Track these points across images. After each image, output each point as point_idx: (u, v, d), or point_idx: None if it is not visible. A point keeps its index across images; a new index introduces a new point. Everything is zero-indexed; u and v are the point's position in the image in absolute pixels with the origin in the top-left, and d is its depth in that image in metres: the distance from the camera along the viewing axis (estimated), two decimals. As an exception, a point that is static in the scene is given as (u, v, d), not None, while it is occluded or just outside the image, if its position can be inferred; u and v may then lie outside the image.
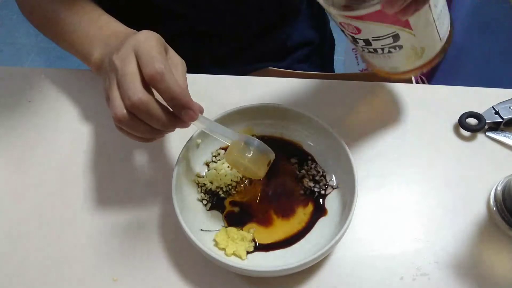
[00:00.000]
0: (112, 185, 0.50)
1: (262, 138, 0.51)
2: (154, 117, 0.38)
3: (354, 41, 0.43)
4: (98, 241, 0.46)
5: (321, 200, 0.47)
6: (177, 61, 0.43)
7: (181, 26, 0.63)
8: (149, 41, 0.39)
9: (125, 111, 0.38)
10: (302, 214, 0.46)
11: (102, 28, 0.51)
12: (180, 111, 0.39)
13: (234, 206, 0.47)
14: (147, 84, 0.38)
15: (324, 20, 0.76)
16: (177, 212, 0.41)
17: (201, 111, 0.41)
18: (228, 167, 0.49)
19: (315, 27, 0.74)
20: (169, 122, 0.39)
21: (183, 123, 0.40)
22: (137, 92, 0.37)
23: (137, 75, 0.38)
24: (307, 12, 0.72)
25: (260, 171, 0.44)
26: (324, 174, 0.49)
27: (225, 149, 0.51)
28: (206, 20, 0.64)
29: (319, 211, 0.46)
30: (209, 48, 0.68)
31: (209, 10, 0.63)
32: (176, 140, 0.47)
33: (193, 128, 0.48)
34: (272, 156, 0.44)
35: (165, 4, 0.60)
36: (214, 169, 0.49)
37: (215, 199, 0.47)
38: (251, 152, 0.42)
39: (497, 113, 0.54)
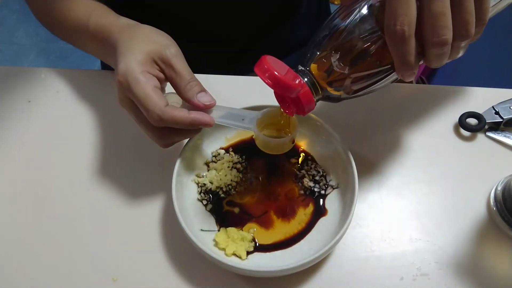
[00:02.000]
0: (112, 185, 0.50)
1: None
2: (183, 138, 0.46)
3: None
4: (98, 241, 0.46)
5: (321, 200, 0.47)
6: (169, 57, 0.43)
7: (180, 28, 0.63)
8: (135, 83, 0.40)
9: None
10: (302, 214, 0.46)
11: (96, 23, 0.50)
12: (197, 127, 0.43)
13: (234, 206, 0.47)
14: None
15: (324, 20, 0.76)
16: (177, 212, 0.41)
17: (213, 105, 0.43)
18: (228, 167, 0.49)
19: (315, 26, 0.74)
20: (195, 133, 0.46)
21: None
22: (158, 140, 0.44)
23: (144, 121, 0.42)
24: (307, 12, 0.72)
25: (285, 150, 0.46)
26: (324, 174, 0.49)
27: (225, 149, 0.51)
28: (205, 21, 0.64)
29: (319, 211, 0.46)
30: (208, 49, 0.68)
31: (208, 12, 0.63)
32: (176, 140, 0.48)
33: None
34: (293, 136, 0.45)
35: (163, 6, 0.60)
36: (214, 169, 0.49)
37: (215, 199, 0.47)
38: (272, 142, 0.45)
39: (497, 113, 0.54)
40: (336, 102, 0.41)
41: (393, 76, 0.38)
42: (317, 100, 0.40)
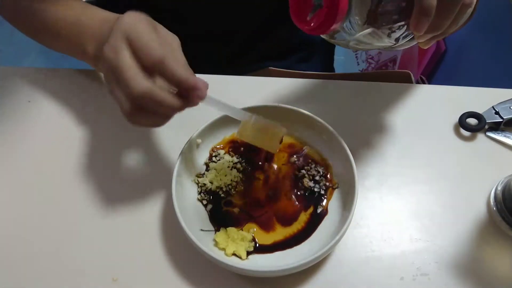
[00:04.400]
0: (112, 185, 0.50)
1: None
2: (162, 104, 0.37)
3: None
4: (98, 241, 0.46)
5: (321, 200, 0.47)
6: (170, 39, 0.41)
7: (181, 28, 0.63)
8: (138, 24, 0.37)
9: (131, 105, 0.37)
10: (302, 214, 0.46)
11: (92, 19, 0.49)
12: (187, 93, 0.38)
13: (234, 207, 0.47)
14: (146, 70, 0.37)
15: None
16: (177, 212, 0.41)
17: (207, 86, 0.40)
18: (228, 167, 0.49)
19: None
20: (177, 105, 0.38)
21: (192, 103, 0.40)
22: (137, 84, 0.36)
23: (133, 65, 0.37)
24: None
25: (274, 145, 0.45)
26: (324, 174, 0.49)
27: (225, 149, 0.51)
28: (206, 20, 0.64)
29: (320, 211, 0.46)
30: (209, 49, 0.68)
31: (208, 10, 0.63)
32: (176, 140, 0.48)
33: (193, 128, 0.48)
34: (284, 130, 0.45)
35: (164, 5, 0.60)
36: (214, 169, 0.49)
37: (215, 199, 0.47)
38: (262, 126, 0.44)
39: (497, 113, 0.54)
40: (347, 43, 0.40)
41: (407, 37, 0.39)
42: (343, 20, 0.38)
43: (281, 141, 0.46)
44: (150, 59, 0.36)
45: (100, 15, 0.50)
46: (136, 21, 0.38)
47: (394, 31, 0.39)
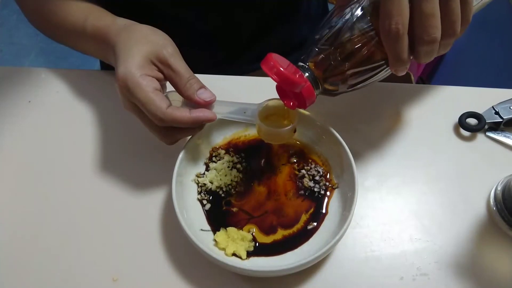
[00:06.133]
0: (112, 185, 0.50)
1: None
2: (188, 135, 0.47)
3: None
4: (98, 241, 0.46)
5: (321, 200, 0.47)
6: (168, 57, 0.43)
7: (181, 28, 0.63)
8: (136, 88, 0.41)
9: (160, 134, 0.45)
10: (303, 214, 0.46)
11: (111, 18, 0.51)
12: (200, 125, 0.45)
13: (233, 206, 0.47)
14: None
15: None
16: (177, 212, 0.41)
17: (214, 100, 0.44)
18: (228, 167, 0.49)
19: (315, 26, 0.74)
20: (199, 130, 0.46)
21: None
22: (163, 139, 0.45)
23: (150, 121, 0.43)
24: (307, 11, 0.72)
25: (288, 137, 0.47)
26: (324, 174, 0.49)
27: (225, 149, 0.51)
28: (206, 21, 0.64)
29: (320, 211, 0.46)
30: (209, 49, 0.68)
31: (208, 11, 0.63)
32: (176, 140, 0.48)
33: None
34: (295, 124, 0.46)
35: (163, 7, 0.60)
36: (214, 169, 0.49)
37: (215, 199, 0.47)
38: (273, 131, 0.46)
39: (497, 113, 0.54)
40: (333, 96, 0.43)
41: (387, 71, 0.41)
42: (317, 94, 0.42)
43: (295, 131, 0.47)
44: (155, 122, 0.42)
45: (102, 24, 0.50)
46: (133, 83, 0.41)
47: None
